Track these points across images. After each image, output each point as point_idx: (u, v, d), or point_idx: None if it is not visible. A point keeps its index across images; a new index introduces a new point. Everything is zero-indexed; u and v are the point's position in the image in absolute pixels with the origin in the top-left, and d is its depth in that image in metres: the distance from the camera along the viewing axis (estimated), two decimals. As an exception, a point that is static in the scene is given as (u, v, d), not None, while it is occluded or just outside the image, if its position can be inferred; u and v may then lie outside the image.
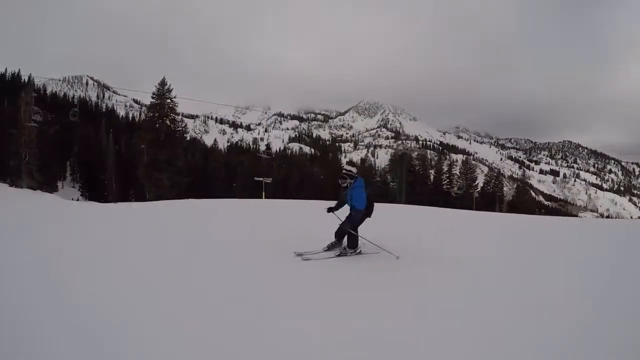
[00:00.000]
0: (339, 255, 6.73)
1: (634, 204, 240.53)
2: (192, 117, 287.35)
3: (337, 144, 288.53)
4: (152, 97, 38.82)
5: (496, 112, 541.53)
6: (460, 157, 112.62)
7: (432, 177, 66.49)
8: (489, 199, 63.30)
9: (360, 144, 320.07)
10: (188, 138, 46.28)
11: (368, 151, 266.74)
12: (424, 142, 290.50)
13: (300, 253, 6.58)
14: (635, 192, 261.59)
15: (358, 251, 6.96)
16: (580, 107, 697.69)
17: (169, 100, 38.99)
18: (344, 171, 6.94)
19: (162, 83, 38.98)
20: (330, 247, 7.02)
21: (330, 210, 7.12)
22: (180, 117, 41.64)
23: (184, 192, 37.98)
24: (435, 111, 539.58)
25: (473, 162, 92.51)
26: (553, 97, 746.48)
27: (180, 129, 40.92)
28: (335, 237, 7.06)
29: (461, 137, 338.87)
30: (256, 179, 42.14)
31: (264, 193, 38.37)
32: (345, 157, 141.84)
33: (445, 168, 67.81)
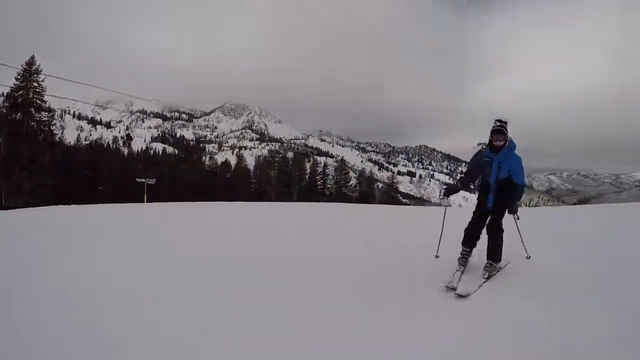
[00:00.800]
0: (489, 277, 4.86)
1: None
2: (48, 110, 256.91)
3: (201, 145, 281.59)
4: (17, 79, 32.74)
5: (357, 117, 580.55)
6: (323, 159, 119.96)
7: (307, 177, 70.59)
8: (361, 197, 68.86)
9: (224, 145, 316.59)
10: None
11: (233, 152, 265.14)
12: (289, 144, 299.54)
13: (453, 285, 4.54)
14: None
15: (505, 264, 5.22)
16: (437, 115, 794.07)
17: (35, 84, 33.29)
18: (498, 123, 4.83)
19: (30, 63, 33.21)
20: (463, 262, 5.16)
21: (449, 192, 5.31)
22: (48, 104, 35.38)
23: (49, 195, 32.38)
24: (300, 114, 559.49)
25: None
26: (413, 105, 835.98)
27: (46, 119, 34.93)
28: (466, 242, 5.20)
29: (324, 140, 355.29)
30: (138, 180, 39.18)
31: (145, 196, 34.55)
32: (209, 158, 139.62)
33: (319, 169, 72.78)
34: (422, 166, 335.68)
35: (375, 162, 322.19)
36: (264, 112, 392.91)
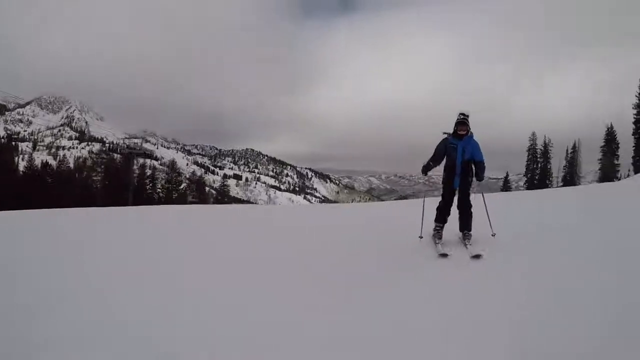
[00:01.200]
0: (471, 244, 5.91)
1: (309, 200, 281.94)
2: None
3: (13, 143, 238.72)
4: None
5: (183, 119, 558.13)
6: (149, 161, 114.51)
7: (135, 181, 66.78)
8: (193, 201, 67.85)
9: (40, 144, 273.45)
10: None
11: (50, 152, 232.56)
12: (111, 145, 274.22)
13: (444, 251, 5.62)
14: (307, 191, 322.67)
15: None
16: (264, 120, 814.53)
17: None
18: (462, 115, 5.93)
19: None
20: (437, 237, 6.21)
21: (426, 170, 6.28)
22: None
23: None
24: (124, 113, 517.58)
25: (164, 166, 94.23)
26: (239, 109, 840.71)
27: None
28: (439, 219, 6.27)
29: (149, 142, 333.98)
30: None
31: None
32: (22, 159, 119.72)
33: (148, 172, 69.65)
34: (248, 169, 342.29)
35: (202, 165, 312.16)
36: (85, 107, 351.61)
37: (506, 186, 64.47)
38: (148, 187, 65.49)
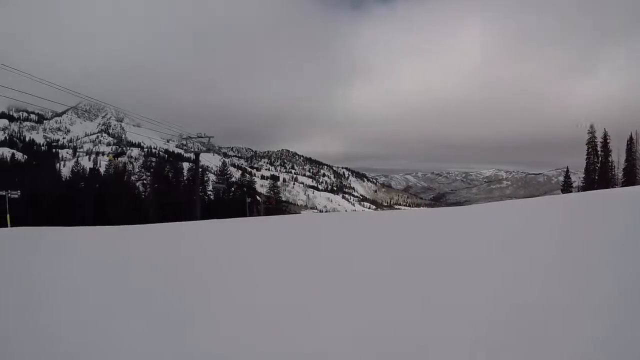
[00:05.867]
0: None
1: (347, 199, 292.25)
2: None
3: (53, 150, 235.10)
4: None
5: (218, 121, 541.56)
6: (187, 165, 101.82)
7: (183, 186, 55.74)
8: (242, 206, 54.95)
9: (79, 150, 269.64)
10: None
11: (90, 159, 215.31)
12: (149, 150, 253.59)
13: None
14: (346, 190, 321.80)
15: None
16: (299, 121, 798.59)
17: None
18: None
19: None
20: None
21: None
22: None
23: None
24: (159, 117, 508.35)
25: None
26: (275, 110, 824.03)
27: None
28: None
29: (185, 145, 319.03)
30: (-3, 192, 30.69)
31: (8, 216, 28.35)
32: (64, 165, 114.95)
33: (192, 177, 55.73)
34: (285, 170, 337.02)
35: (239, 167, 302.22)
36: (121, 114, 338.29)
37: (568, 184, 55.47)
38: (201, 193, 52.37)
